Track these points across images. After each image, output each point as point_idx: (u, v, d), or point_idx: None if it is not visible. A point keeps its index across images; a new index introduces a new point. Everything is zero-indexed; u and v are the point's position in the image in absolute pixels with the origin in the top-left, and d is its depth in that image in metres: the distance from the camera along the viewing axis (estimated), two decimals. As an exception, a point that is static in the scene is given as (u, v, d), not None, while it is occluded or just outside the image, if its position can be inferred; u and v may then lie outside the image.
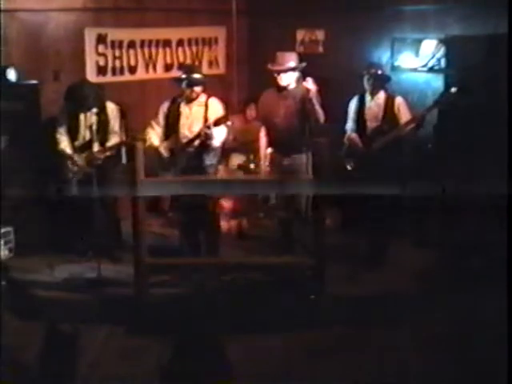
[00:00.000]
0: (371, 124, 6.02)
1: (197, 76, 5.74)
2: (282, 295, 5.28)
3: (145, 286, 5.05)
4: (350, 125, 6.18)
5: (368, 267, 5.93)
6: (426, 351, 4.56)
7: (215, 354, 4.48)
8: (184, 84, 5.71)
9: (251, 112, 7.56)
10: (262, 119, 6.10)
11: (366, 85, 6.00)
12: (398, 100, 5.97)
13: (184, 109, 5.79)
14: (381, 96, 5.99)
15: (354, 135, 6.08)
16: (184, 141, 5.72)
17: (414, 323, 4.95)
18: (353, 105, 6.17)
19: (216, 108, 5.75)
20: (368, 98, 6.04)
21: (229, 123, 5.66)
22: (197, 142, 5.67)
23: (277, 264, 5.41)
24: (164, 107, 5.87)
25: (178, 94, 5.83)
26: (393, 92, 6.08)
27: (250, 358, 4.46)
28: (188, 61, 7.83)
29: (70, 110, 6.04)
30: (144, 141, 5.67)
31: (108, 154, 5.99)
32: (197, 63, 7.81)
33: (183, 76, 5.75)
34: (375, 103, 6.00)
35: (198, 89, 5.72)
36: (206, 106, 5.76)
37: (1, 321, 4.73)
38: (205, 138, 5.60)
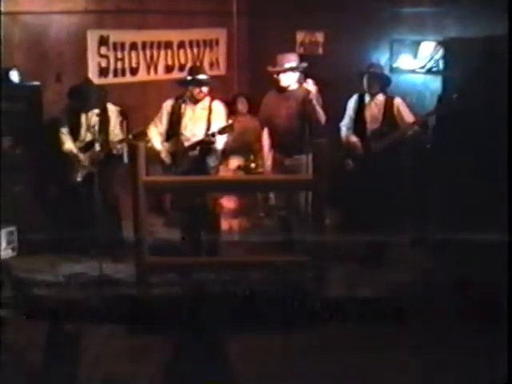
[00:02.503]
0: (371, 125, 6.04)
1: (204, 77, 5.78)
2: (282, 295, 5.33)
3: (146, 285, 5.08)
4: (346, 122, 6.22)
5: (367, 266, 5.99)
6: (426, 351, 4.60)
7: (215, 354, 4.49)
8: (192, 85, 5.75)
9: (242, 105, 7.59)
10: (265, 120, 6.14)
11: (366, 83, 6.03)
12: (397, 101, 5.99)
13: (187, 110, 5.81)
14: (380, 97, 6.02)
15: (355, 139, 6.12)
16: (186, 143, 5.76)
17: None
18: (351, 103, 6.19)
19: (219, 112, 5.79)
20: (367, 98, 6.07)
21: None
22: (199, 148, 5.72)
23: (277, 264, 5.42)
24: (168, 105, 5.89)
25: (181, 93, 5.87)
26: (391, 93, 6.12)
27: (249, 358, 4.48)
28: (189, 62, 7.85)
29: (72, 110, 6.09)
30: (145, 134, 5.73)
31: (113, 151, 6.02)
32: (199, 65, 7.86)
33: (189, 77, 5.78)
34: (374, 104, 6.03)
35: (205, 89, 5.77)
36: (210, 109, 5.78)
37: (3, 320, 4.77)
38: (207, 143, 5.64)
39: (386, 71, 6.85)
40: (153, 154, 5.83)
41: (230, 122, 5.77)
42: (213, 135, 5.59)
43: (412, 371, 4.36)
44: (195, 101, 5.79)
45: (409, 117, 5.95)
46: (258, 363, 4.45)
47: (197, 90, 5.74)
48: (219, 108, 5.83)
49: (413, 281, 5.73)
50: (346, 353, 4.60)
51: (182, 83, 5.88)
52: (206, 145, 5.66)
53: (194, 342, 4.65)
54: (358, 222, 6.34)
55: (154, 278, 5.32)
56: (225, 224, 6.80)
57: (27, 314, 5.11)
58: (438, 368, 4.37)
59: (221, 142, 5.72)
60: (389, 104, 5.98)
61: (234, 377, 4.24)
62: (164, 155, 5.82)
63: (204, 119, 5.76)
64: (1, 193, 5.94)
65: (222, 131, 5.59)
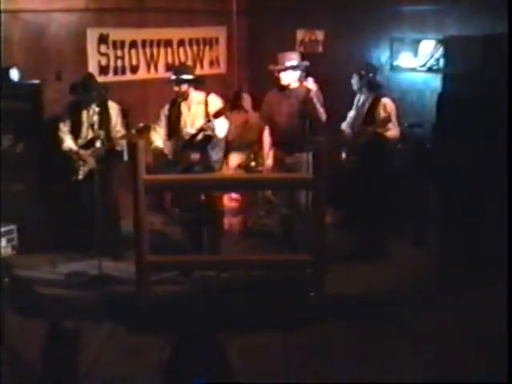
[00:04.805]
0: (357, 123, 6.07)
1: (182, 76, 5.76)
2: (282, 293, 5.33)
3: (146, 283, 5.08)
4: (351, 114, 6.24)
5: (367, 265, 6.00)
6: (426, 350, 4.60)
7: (215, 353, 4.49)
8: (173, 84, 5.78)
9: (245, 102, 7.59)
10: (266, 119, 6.14)
11: (354, 85, 6.05)
12: (384, 101, 5.97)
13: (184, 108, 5.83)
14: (371, 96, 6.03)
15: (348, 130, 6.14)
16: (187, 137, 5.77)
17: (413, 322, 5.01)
18: (355, 99, 6.21)
19: (216, 103, 5.78)
20: (360, 96, 6.09)
21: (228, 114, 5.73)
22: (200, 137, 5.71)
23: (277, 262, 5.43)
24: (165, 110, 5.92)
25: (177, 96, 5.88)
26: (385, 93, 6.11)
27: (249, 358, 4.47)
28: (189, 60, 7.88)
29: (74, 107, 6.10)
30: (149, 129, 5.76)
31: (121, 143, 6.05)
32: (196, 63, 7.87)
33: (172, 77, 5.80)
34: (363, 103, 6.05)
35: (183, 87, 5.76)
36: (206, 103, 5.79)
37: (3, 318, 4.76)
38: (207, 130, 5.64)
39: (387, 69, 6.90)
40: (156, 151, 5.85)
41: (224, 104, 5.76)
42: (209, 120, 5.59)
43: (412, 369, 4.36)
44: (182, 98, 5.81)
45: (389, 123, 5.90)
46: (258, 363, 4.45)
47: (176, 89, 5.77)
48: (215, 100, 5.84)
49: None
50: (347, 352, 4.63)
51: (167, 82, 5.91)
52: (204, 131, 5.65)
53: (194, 341, 4.65)
54: (357, 221, 6.37)
55: (155, 277, 5.32)
56: (225, 222, 6.80)
57: (27, 312, 5.13)
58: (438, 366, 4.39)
59: (220, 129, 5.71)
60: (375, 103, 5.98)
61: (233, 377, 4.24)
62: (167, 151, 5.83)
63: (202, 114, 5.77)
64: (1, 192, 5.95)
65: (217, 114, 5.58)
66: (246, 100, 7.69)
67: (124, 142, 6.09)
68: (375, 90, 6.03)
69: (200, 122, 5.72)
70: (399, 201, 6.53)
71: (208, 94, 5.86)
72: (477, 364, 4.33)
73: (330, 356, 4.55)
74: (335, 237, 6.11)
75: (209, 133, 5.66)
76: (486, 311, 4.93)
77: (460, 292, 5.41)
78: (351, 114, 6.24)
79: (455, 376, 4.22)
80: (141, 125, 5.79)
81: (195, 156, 5.75)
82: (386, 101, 5.97)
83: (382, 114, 5.91)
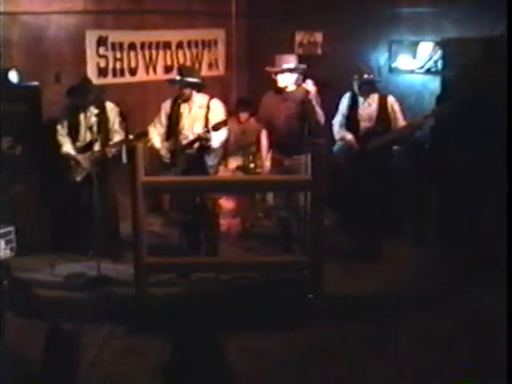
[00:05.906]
0: (365, 124, 6.06)
1: (186, 79, 5.75)
2: (280, 294, 5.33)
3: (145, 285, 5.08)
4: (339, 119, 6.22)
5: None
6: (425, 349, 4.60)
7: (215, 354, 4.49)
8: (176, 85, 5.78)
9: (244, 114, 7.61)
10: (264, 121, 6.14)
11: (357, 90, 6.06)
12: (391, 99, 6.00)
13: (184, 109, 5.83)
14: (374, 96, 6.03)
15: (350, 136, 6.13)
16: (184, 142, 5.77)
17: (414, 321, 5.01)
18: (345, 101, 6.20)
19: (217, 110, 5.79)
20: (361, 98, 6.09)
21: (227, 127, 5.73)
22: (196, 145, 5.71)
23: (276, 263, 5.42)
24: (166, 106, 5.89)
25: (179, 94, 5.88)
26: (384, 92, 6.13)
27: (249, 359, 4.47)
28: (188, 63, 7.89)
29: (71, 110, 6.10)
30: (146, 135, 5.74)
31: (113, 150, 6.03)
32: (195, 65, 7.86)
33: (176, 78, 5.79)
34: (368, 103, 6.04)
35: (186, 89, 5.76)
36: (208, 107, 5.78)
37: (2, 320, 4.76)
38: (204, 140, 5.64)
39: (385, 72, 6.93)
40: (153, 152, 5.85)
41: (224, 117, 5.76)
42: (207, 131, 5.59)
43: (412, 369, 4.36)
44: (184, 100, 5.80)
45: (401, 120, 5.95)
46: (257, 363, 4.45)
47: (180, 91, 5.77)
48: (217, 106, 5.83)
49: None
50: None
51: (170, 82, 5.90)
52: (201, 141, 5.65)
53: (194, 342, 4.64)
54: (357, 221, 6.38)
55: (153, 278, 5.32)
56: (223, 224, 6.80)
57: (26, 314, 5.12)
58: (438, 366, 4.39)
59: (216, 139, 5.70)
60: (383, 102, 5.99)
61: (233, 377, 4.23)
62: (163, 153, 5.82)
63: (202, 117, 5.76)
64: (0, 193, 5.95)
65: (216, 127, 5.57)
66: (244, 116, 7.64)
67: (119, 147, 6.10)
68: (377, 89, 6.05)
69: (199, 125, 5.71)
70: (399, 201, 6.53)
71: (211, 97, 5.85)
72: (477, 364, 4.33)
73: (329, 357, 4.55)
74: (334, 237, 6.12)
75: (204, 143, 5.66)
76: (486, 311, 4.93)
77: (460, 292, 5.42)
78: (339, 120, 6.22)
79: (455, 376, 4.22)
80: (139, 131, 5.78)
81: (193, 162, 5.74)
82: (392, 98, 6.02)
83: (398, 108, 5.96)
